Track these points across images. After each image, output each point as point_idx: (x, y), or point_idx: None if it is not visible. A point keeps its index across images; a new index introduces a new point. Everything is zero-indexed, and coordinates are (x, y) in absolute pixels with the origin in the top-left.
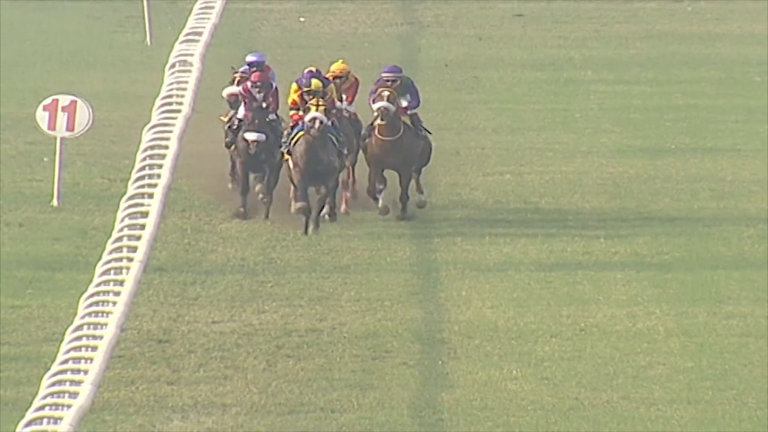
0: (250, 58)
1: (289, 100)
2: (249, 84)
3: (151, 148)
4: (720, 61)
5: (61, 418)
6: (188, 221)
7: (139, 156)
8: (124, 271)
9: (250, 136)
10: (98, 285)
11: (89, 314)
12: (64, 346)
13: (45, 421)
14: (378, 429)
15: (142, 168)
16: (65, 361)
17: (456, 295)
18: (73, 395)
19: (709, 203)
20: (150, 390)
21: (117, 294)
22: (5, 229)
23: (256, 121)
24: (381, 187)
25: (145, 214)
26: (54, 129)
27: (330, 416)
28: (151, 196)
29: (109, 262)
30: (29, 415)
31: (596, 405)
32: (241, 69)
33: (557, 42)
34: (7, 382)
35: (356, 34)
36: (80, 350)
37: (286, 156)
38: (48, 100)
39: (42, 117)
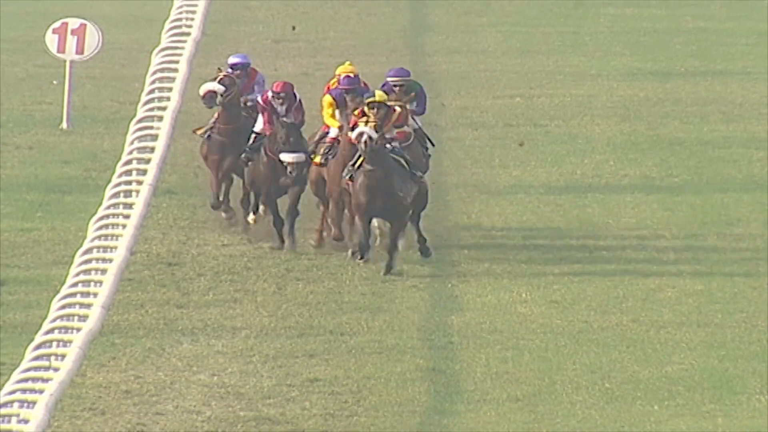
0: (233, 60)
1: (325, 115)
2: (270, 94)
3: (161, 71)
4: None
5: (70, 342)
6: (198, 144)
7: (149, 79)
8: (134, 194)
9: (288, 157)
10: (108, 208)
11: (99, 237)
12: (73, 269)
13: (54, 344)
14: (388, 352)
15: (152, 91)
16: (75, 284)
17: (465, 219)
18: (83, 318)
19: (719, 126)
20: (159, 313)
21: (126, 217)
22: (15, 152)
23: (291, 139)
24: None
25: (154, 137)
26: (63, 52)
27: (340, 339)
28: (160, 119)
29: (118, 185)
30: (38, 338)
31: (605, 328)
32: (226, 72)
33: None
34: (17, 305)
35: None
36: (90, 273)
37: (348, 182)
38: (57, 24)
39: (51, 40)
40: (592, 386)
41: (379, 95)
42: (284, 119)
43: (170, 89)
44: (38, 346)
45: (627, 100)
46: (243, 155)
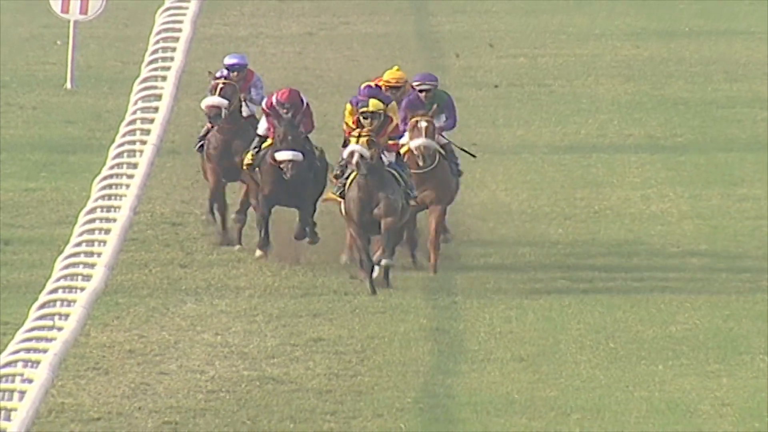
0: (229, 60)
1: (346, 126)
2: (274, 100)
3: (165, 30)
4: None
5: (74, 301)
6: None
7: (153, 39)
8: (138, 154)
9: (283, 155)
10: (111, 168)
11: (102, 197)
12: (77, 229)
13: (58, 303)
14: (391, 311)
15: (156, 51)
16: (78, 244)
17: (470, 178)
18: (87, 278)
19: (723, 86)
20: (163, 273)
21: (130, 177)
22: (19, 112)
23: (289, 137)
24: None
25: (158, 97)
26: (67, 12)
27: (344, 299)
28: (164, 79)
29: (122, 144)
30: (42, 297)
31: (610, 288)
32: (218, 73)
33: None
34: (21, 265)
35: None
36: (93, 233)
37: (338, 199)
38: None
39: (55, 0)
40: (597, 346)
41: (374, 104)
42: (280, 121)
43: (174, 49)
44: (42, 306)
45: (631, 59)
46: (248, 162)
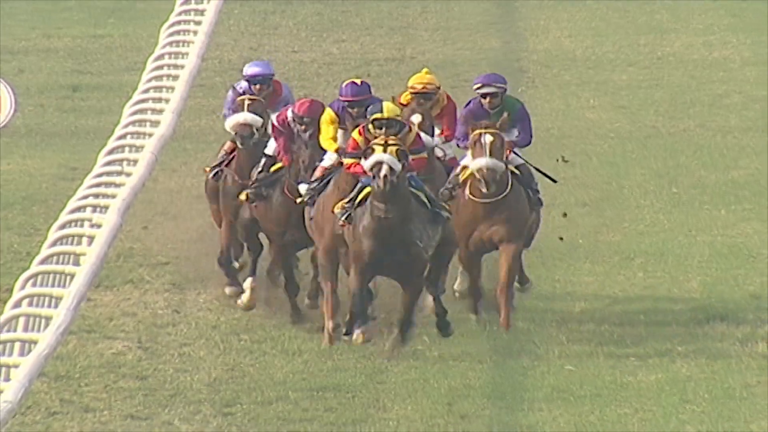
0: (251, 70)
1: (324, 135)
2: (290, 115)
3: None
4: None
5: (142, 147)
6: None
7: None
8: (206, 0)
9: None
10: (179, 14)
11: (170, 44)
12: (145, 75)
13: (126, 149)
14: None
15: None
16: (146, 90)
17: (534, 25)
18: (154, 124)
19: None
20: None
21: (198, 23)
22: None
23: (318, 164)
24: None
25: None
26: None
27: None
28: None
29: None
30: (111, 143)
31: (673, 133)
32: (239, 85)
33: None
34: (89, 111)
35: None
36: (162, 79)
37: (343, 223)
38: None
39: None
40: (660, 191)
41: (389, 109)
42: (292, 145)
43: None
44: (110, 152)
45: None
46: (250, 190)
